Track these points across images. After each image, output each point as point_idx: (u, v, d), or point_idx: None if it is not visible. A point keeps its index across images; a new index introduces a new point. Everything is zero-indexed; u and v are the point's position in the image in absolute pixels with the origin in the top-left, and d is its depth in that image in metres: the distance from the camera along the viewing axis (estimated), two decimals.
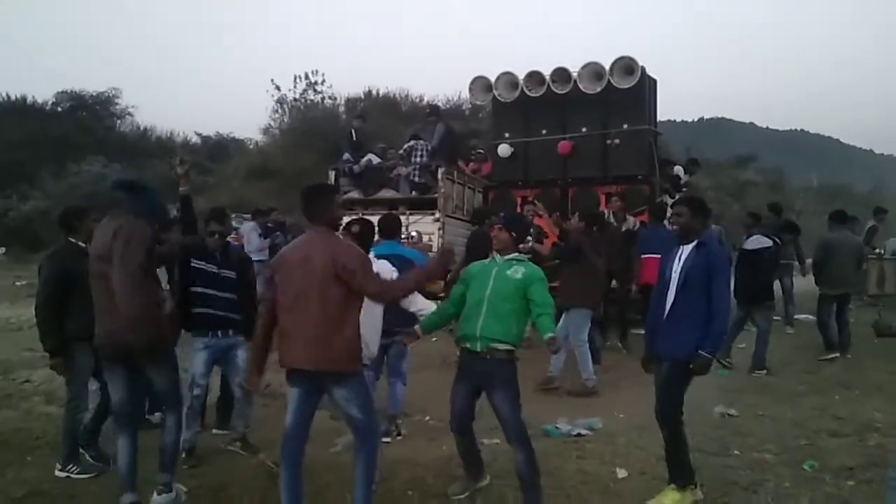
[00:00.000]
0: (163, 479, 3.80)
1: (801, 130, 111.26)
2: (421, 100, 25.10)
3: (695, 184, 11.61)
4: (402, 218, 9.38)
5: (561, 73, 9.62)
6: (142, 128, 26.13)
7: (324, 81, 24.27)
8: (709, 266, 3.73)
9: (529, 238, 7.76)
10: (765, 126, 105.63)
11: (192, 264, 4.51)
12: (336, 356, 3.32)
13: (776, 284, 8.45)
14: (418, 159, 10.07)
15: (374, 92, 25.96)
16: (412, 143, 10.33)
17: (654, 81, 9.94)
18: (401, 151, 10.53)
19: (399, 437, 5.00)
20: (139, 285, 3.59)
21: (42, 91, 44.68)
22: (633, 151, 9.59)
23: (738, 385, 6.53)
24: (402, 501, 3.91)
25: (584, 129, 9.85)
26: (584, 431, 5.08)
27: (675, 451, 3.77)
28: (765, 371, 7.07)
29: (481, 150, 12.03)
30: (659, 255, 7.26)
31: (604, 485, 4.09)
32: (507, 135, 10.40)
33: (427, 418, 5.47)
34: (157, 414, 4.98)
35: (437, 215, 9.62)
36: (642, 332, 7.87)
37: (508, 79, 10.12)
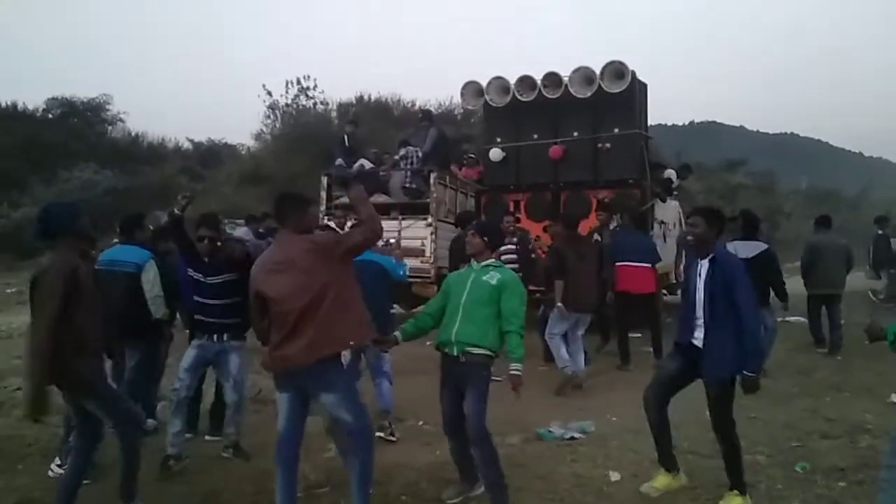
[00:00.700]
0: None
1: (791, 134, 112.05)
2: (413, 105, 25.14)
3: (686, 188, 11.67)
4: (395, 223, 9.54)
5: (552, 78, 9.66)
6: (133, 134, 26.01)
7: (315, 87, 24.24)
8: (726, 281, 3.69)
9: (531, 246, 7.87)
10: (755, 130, 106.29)
11: (188, 273, 4.59)
12: (346, 333, 3.34)
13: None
14: (410, 165, 10.11)
15: (365, 97, 26.03)
16: (403, 150, 10.38)
17: (645, 85, 9.99)
18: (396, 157, 10.57)
19: (392, 438, 4.98)
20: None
21: (33, 97, 44.43)
22: (624, 155, 9.62)
23: None
24: None
25: (575, 134, 9.89)
26: (577, 435, 5.08)
27: (734, 460, 3.77)
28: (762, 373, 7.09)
29: (473, 155, 12.06)
30: (638, 264, 7.45)
31: (597, 488, 4.10)
32: (498, 139, 10.42)
33: (420, 423, 5.45)
34: (151, 421, 4.97)
35: (430, 220, 9.65)
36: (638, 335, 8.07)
37: (500, 83, 10.13)
